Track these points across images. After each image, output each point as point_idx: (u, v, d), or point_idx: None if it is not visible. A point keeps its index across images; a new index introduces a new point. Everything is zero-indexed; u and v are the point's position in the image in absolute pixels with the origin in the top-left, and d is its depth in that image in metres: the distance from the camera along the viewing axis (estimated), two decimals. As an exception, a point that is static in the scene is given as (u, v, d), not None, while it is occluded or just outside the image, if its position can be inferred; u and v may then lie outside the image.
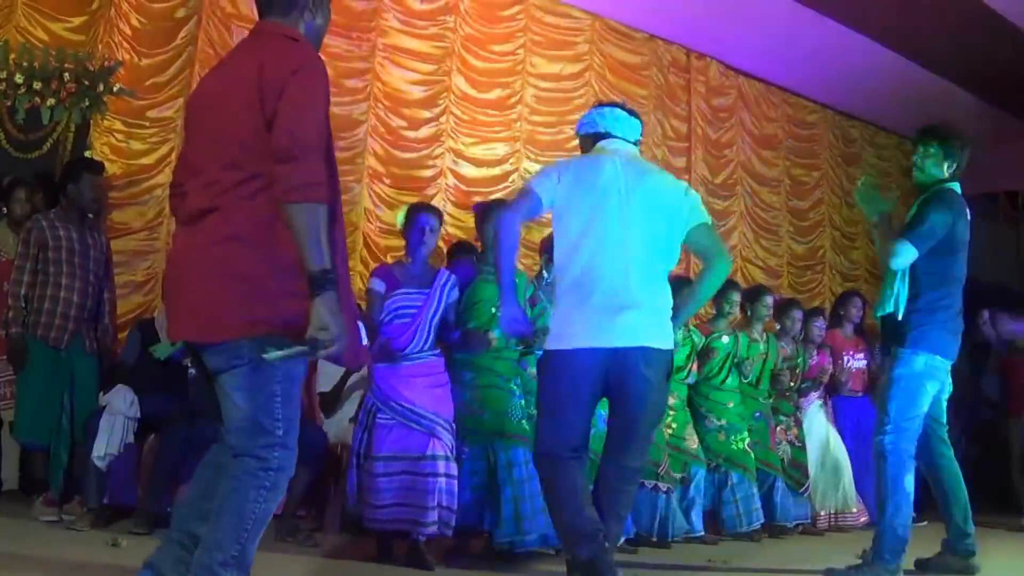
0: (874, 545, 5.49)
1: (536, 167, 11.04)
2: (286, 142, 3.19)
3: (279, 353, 3.19)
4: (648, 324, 4.58)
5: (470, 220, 10.13)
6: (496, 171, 10.84)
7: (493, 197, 9.84)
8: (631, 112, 5.02)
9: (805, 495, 8.18)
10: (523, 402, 6.22)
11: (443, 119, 10.50)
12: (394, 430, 5.73)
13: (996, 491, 10.43)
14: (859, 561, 5.59)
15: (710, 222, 4.82)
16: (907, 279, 5.58)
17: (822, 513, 8.37)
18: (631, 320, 4.54)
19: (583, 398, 4.63)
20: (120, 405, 6.34)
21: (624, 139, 4.91)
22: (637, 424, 4.65)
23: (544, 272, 6.71)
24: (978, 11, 10.69)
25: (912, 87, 12.59)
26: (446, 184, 10.40)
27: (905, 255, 5.47)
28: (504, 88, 11.10)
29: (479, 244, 6.53)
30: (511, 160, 10.98)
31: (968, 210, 5.74)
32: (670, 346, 4.67)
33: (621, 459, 4.68)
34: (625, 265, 4.59)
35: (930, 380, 5.58)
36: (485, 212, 6.30)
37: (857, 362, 8.91)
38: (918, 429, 5.59)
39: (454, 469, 5.75)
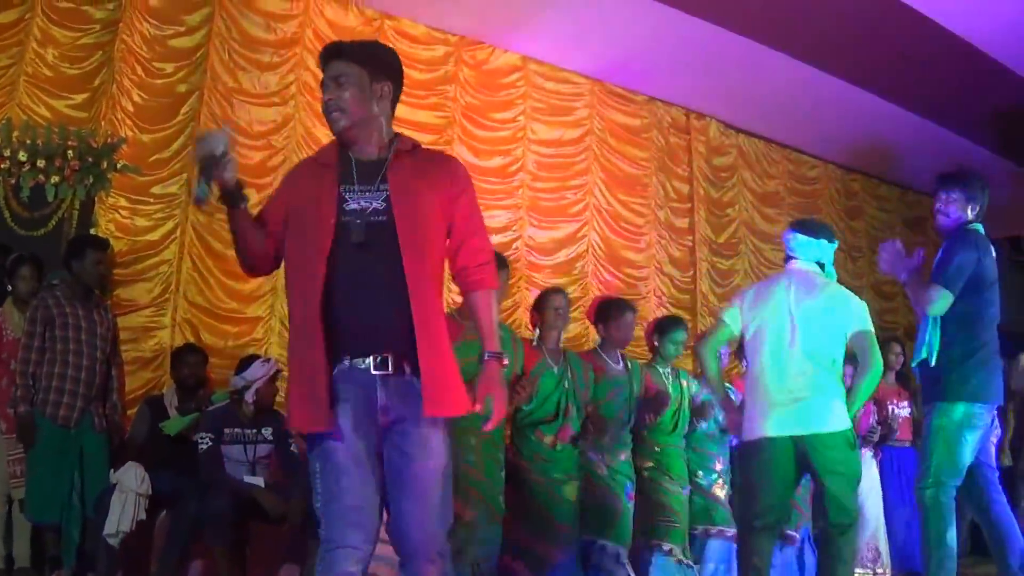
0: None
1: (539, 234, 11.08)
2: None
3: None
4: (817, 413, 5.36)
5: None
6: (499, 239, 10.81)
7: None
8: (812, 232, 5.78)
9: None
10: (502, 473, 6.22)
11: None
12: None
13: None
14: None
15: (868, 329, 5.53)
16: (938, 325, 5.50)
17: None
18: (802, 412, 5.36)
19: (772, 479, 5.46)
20: (131, 482, 6.28)
21: (804, 260, 5.72)
22: (827, 490, 5.40)
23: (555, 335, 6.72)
24: (976, 60, 10.73)
25: (912, 138, 12.64)
26: (450, 253, 10.37)
27: (942, 299, 5.40)
28: (505, 156, 11.13)
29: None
30: (514, 228, 10.98)
31: (993, 249, 5.65)
32: (841, 427, 5.38)
33: (825, 518, 5.48)
34: (793, 369, 5.43)
35: (970, 430, 5.41)
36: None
37: (901, 410, 8.76)
38: (959, 481, 5.43)
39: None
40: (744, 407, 5.73)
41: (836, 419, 5.39)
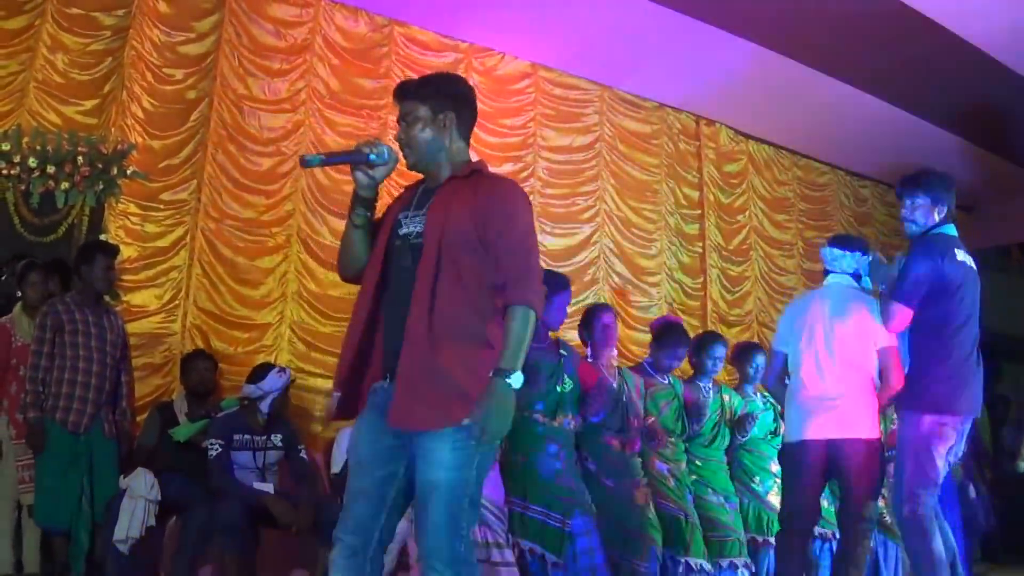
0: None
1: (550, 240, 11.06)
2: None
3: None
4: (848, 419, 5.61)
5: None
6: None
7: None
8: (846, 245, 6.12)
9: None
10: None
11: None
12: None
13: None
14: None
15: (892, 346, 5.66)
16: (906, 337, 5.49)
17: None
18: (834, 418, 5.62)
19: (804, 478, 5.78)
20: (141, 488, 6.27)
21: (842, 273, 6.02)
22: (852, 495, 5.68)
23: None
24: (989, 67, 10.71)
25: (921, 144, 12.56)
26: (461, 259, 10.35)
27: (897, 317, 5.41)
28: (516, 162, 11.10)
29: None
30: (526, 233, 10.93)
31: (960, 249, 5.48)
32: (871, 435, 5.66)
33: (846, 523, 5.77)
34: (829, 378, 5.70)
35: (940, 441, 5.29)
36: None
37: None
38: (937, 491, 5.34)
39: (506, 556, 5.59)
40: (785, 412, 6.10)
41: (866, 427, 5.65)
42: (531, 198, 10.66)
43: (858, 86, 11.54)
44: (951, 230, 5.57)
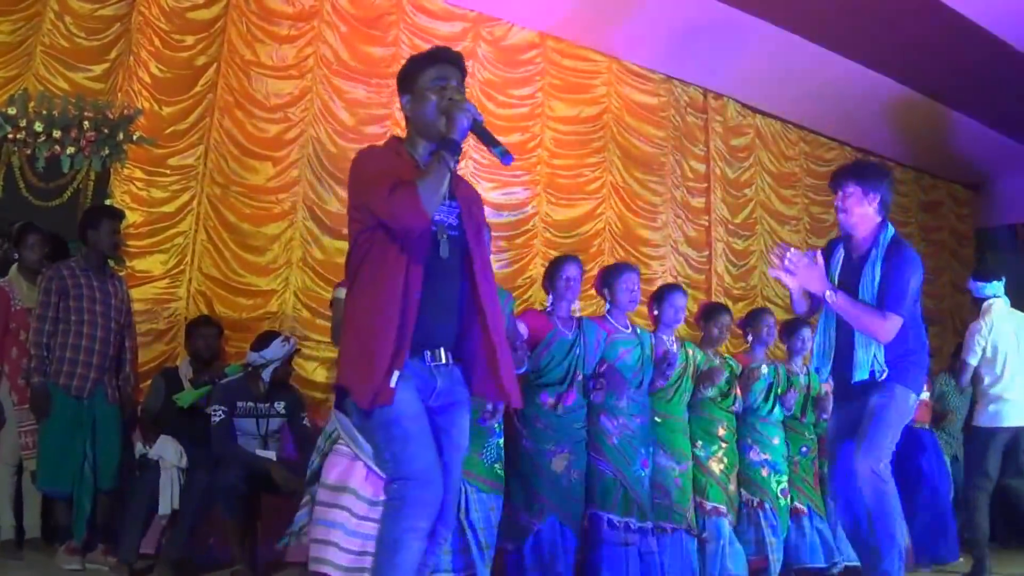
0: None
1: (556, 211, 11.06)
2: None
3: None
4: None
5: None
6: (517, 215, 10.83)
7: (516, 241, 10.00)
8: (992, 276, 8.15)
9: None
10: (500, 441, 6.16)
11: (463, 164, 10.48)
12: (346, 462, 5.34)
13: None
14: None
15: None
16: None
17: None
18: (1015, 407, 7.78)
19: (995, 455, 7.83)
20: (172, 457, 6.33)
21: (997, 296, 8.05)
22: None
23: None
24: (993, 46, 10.69)
25: (929, 122, 12.59)
26: (466, 229, 10.36)
27: (896, 328, 5.23)
28: (523, 132, 11.09)
29: None
30: (532, 204, 10.96)
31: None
32: None
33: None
34: (1012, 376, 7.83)
35: (912, 415, 5.62)
36: None
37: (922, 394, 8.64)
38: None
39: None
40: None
41: None
42: (538, 168, 10.77)
43: (866, 64, 11.53)
44: (892, 228, 5.52)
